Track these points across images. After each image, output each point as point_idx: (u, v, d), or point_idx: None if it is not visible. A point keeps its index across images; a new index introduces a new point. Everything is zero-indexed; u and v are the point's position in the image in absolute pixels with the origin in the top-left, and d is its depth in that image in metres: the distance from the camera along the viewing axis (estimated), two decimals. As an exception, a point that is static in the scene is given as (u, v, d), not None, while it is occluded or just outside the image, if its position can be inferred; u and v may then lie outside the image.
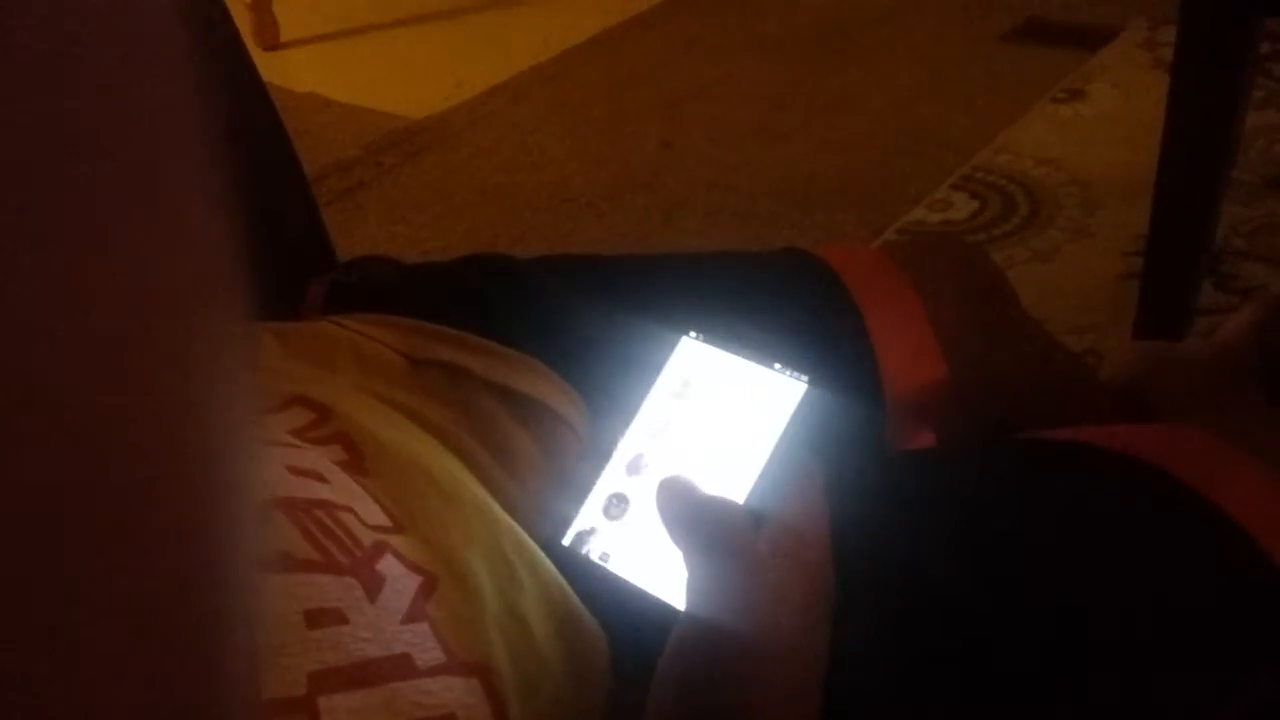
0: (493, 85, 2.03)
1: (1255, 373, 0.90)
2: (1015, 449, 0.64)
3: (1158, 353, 0.96)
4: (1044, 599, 0.52)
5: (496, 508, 0.51)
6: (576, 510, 0.53)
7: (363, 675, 0.39)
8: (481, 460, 0.54)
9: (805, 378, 0.50)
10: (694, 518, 0.46)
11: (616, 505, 0.52)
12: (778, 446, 0.49)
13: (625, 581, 0.50)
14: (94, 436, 0.16)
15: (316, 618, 0.39)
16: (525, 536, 0.51)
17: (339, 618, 0.40)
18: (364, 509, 0.45)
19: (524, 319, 0.64)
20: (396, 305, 0.64)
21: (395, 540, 0.45)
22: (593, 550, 0.52)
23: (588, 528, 0.52)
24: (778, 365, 0.51)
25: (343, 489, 0.46)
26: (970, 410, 0.70)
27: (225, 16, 0.79)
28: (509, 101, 1.99)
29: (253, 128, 0.78)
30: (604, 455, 0.53)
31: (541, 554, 0.51)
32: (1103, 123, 1.71)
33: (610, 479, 0.53)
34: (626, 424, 0.54)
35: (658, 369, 0.54)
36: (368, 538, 0.44)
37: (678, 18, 2.23)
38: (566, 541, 0.52)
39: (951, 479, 0.61)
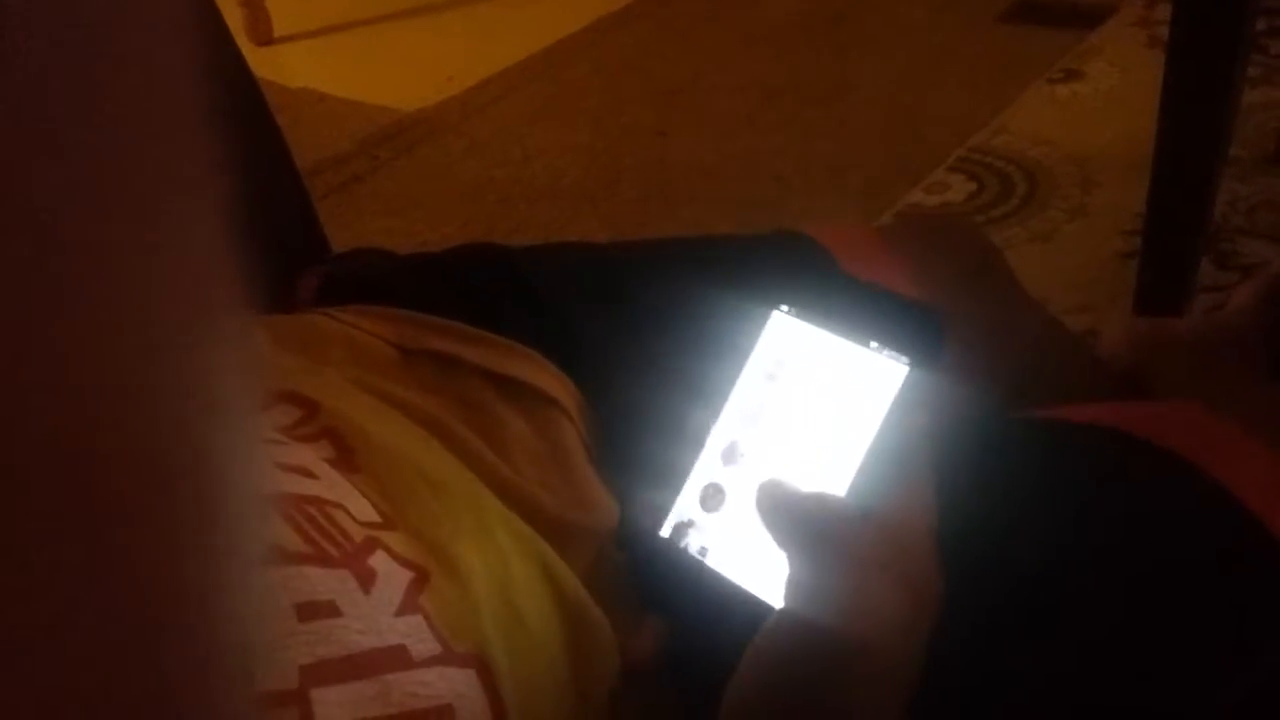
0: (485, 78, 2.02)
1: (1264, 342, 0.89)
2: (1013, 428, 0.63)
3: (1155, 329, 0.95)
4: (1044, 583, 0.52)
5: (489, 496, 0.51)
6: (673, 500, 0.51)
7: (357, 667, 0.39)
8: (474, 448, 0.54)
9: (906, 359, 0.47)
10: (798, 519, 0.45)
11: (713, 496, 0.50)
12: (879, 435, 0.46)
13: (724, 579, 0.49)
14: (89, 435, 0.16)
15: (308, 610, 0.39)
16: (521, 524, 0.50)
17: (332, 610, 0.39)
18: (354, 505, 0.45)
19: (516, 308, 0.64)
20: (389, 296, 0.63)
21: (386, 536, 0.45)
22: (691, 544, 0.50)
23: (686, 519, 0.51)
24: (874, 344, 0.48)
25: (332, 485, 0.45)
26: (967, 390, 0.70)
27: (213, 12, 0.79)
28: (502, 94, 1.98)
29: (243, 123, 0.77)
30: (698, 441, 0.51)
31: (540, 540, 0.51)
32: (1100, 102, 1.71)
33: (705, 468, 0.51)
34: (720, 408, 0.51)
35: (749, 347, 0.51)
36: (359, 533, 0.44)
37: (669, 6, 2.22)
38: (665, 533, 0.51)
39: (946, 459, 0.60)
